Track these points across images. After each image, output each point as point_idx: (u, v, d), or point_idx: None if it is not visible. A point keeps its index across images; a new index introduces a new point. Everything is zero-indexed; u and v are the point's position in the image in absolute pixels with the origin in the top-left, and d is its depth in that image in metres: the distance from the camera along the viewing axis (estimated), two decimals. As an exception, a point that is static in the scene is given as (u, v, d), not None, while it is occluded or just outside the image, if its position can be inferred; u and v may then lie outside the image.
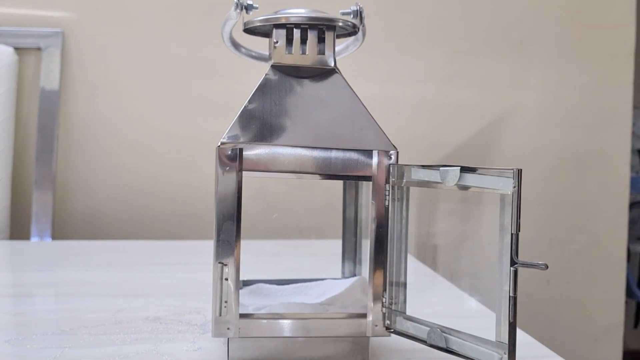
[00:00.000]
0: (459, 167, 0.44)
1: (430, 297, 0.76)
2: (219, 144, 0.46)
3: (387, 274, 0.49)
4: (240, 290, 0.50)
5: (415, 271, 0.91)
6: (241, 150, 0.46)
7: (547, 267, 0.40)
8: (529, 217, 1.33)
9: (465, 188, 0.44)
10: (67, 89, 1.28)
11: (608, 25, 1.43)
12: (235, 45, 0.56)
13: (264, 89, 0.49)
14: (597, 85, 1.43)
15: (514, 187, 0.41)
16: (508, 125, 1.41)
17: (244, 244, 0.47)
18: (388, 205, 0.49)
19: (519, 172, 0.41)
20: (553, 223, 1.43)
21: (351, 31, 0.53)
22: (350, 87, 0.50)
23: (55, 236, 1.25)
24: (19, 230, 1.25)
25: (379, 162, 0.48)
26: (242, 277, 0.50)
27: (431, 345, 0.47)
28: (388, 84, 1.37)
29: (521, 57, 1.40)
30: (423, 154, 1.38)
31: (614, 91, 1.43)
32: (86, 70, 1.29)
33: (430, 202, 1.36)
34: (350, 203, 0.60)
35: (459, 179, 0.44)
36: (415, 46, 1.38)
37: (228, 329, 0.46)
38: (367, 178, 0.49)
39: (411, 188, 0.49)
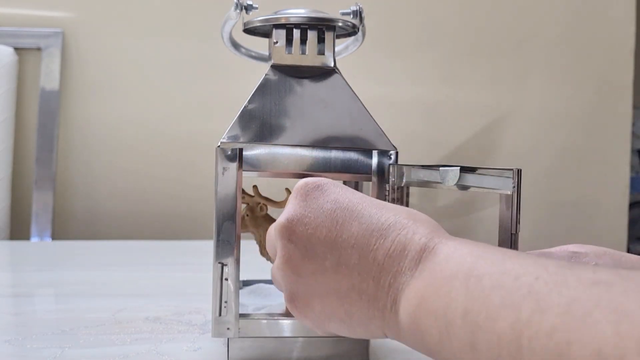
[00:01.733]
0: (459, 167, 0.44)
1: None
2: (219, 144, 0.46)
3: (387, 274, 0.49)
4: (240, 290, 0.50)
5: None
6: (241, 150, 0.46)
7: (547, 267, 0.40)
8: (529, 217, 1.33)
9: (465, 188, 0.44)
10: (67, 89, 1.28)
11: (608, 25, 1.43)
12: (235, 46, 0.56)
13: (263, 89, 0.49)
14: (597, 85, 1.43)
15: (514, 187, 0.41)
16: (508, 125, 1.41)
17: (244, 244, 0.47)
18: (388, 205, 0.49)
19: (519, 172, 0.41)
20: (553, 223, 1.43)
21: (351, 31, 0.53)
22: (350, 87, 0.50)
23: (55, 236, 1.25)
24: (19, 230, 1.25)
25: (378, 162, 0.48)
26: (242, 277, 0.50)
27: (431, 345, 0.47)
28: (388, 84, 1.37)
29: (521, 57, 1.40)
30: (423, 154, 1.38)
31: (614, 91, 1.43)
32: (86, 70, 1.29)
33: (430, 202, 1.36)
34: (350, 203, 0.60)
35: (459, 179, 0.44)
36: (414, 46, 1.38)
37: (228, 329, 0.46)
38: (367, 178, 0.49)
39: (411, 188, 0.49)
